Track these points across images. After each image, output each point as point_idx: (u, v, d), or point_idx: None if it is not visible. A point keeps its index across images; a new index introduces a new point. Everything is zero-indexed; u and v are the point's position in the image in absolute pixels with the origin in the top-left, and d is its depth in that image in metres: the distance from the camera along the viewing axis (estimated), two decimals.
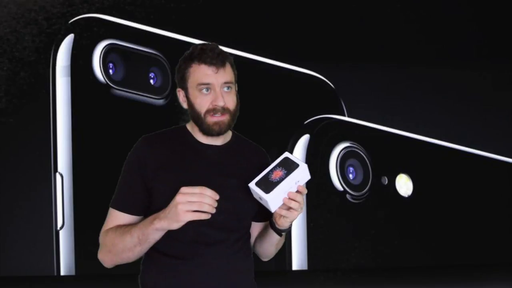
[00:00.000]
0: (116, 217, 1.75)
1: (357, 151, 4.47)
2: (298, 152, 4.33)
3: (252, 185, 1.69)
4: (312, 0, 4.61)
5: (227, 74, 1.72)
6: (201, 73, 1.71)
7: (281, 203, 1.68)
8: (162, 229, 1.63)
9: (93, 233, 4.31)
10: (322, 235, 4.41)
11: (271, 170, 1.69)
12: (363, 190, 4.48)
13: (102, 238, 1.76)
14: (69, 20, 4.13)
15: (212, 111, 1.71)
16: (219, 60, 1.71)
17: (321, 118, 4.45)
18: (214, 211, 1.59)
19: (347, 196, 4.44)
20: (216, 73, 1.70)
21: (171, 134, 1.81)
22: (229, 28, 4.31)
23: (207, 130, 1.74)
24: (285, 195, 1.67)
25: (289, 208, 1.69)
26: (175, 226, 1.60)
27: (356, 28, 4.62)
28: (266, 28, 4.44)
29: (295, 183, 1.68)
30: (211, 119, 1.72)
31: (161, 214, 1.62)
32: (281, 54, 4.45)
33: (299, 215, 1.73)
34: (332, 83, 4.55)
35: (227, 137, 1.82)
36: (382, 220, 4.55)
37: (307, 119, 4.42)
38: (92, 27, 4.10)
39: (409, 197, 4.58)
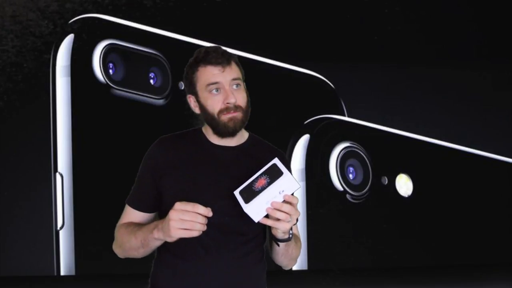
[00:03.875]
0: (129, 213, 1.81)
1: (357, 151, 4.47)
2: (298, 152, 4.33)
3: (236, 193, 1.62)
4: (312, 0, 4.61)
5: (233, 71, 1.72)
6: (208, 74, 1.71)
7: (265, 213, 1.58)
8: (160, 239, 1.64)
9: (93, 233, 4.30)
10: (322, 235, 4.41)
11: (256, 178, 1.61)
12: (363, 190, 4.48)
13: (116, 231, 1.81)
14: (69, 20, 4.14)
15: (225, 110, 1.70)
16: (224, 58, 1.71)
17: (321, 118, 4.45)
18: (204, 228, 1.56)
19: (347, 196, 4.44)
20: (223, 71, 1.70)
21: (186, 135, 1.81)
22: (229, 28, 4.31)
23: (223, 129, 1.72)
24: (268, 205, 1.56)
25: (277, 219, 1.58)
26: (169, 240, 1.61)
27: (356, 28, 4.62)
28: (266, 28, 4.44)
29: (279, 193, 1.56)
30: (225, 117, 1.70)
31: (159, 224, 1.62)
32: (281, 54, 4.45)
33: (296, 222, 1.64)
34: (332, 83, 4.55)
35: (241, 138, 1.80)
36: (382, 220, 4.55)
37: (307, 119, 4.42)
38: (92, 27, 4.10)
39: (409, 197, 4.58)
